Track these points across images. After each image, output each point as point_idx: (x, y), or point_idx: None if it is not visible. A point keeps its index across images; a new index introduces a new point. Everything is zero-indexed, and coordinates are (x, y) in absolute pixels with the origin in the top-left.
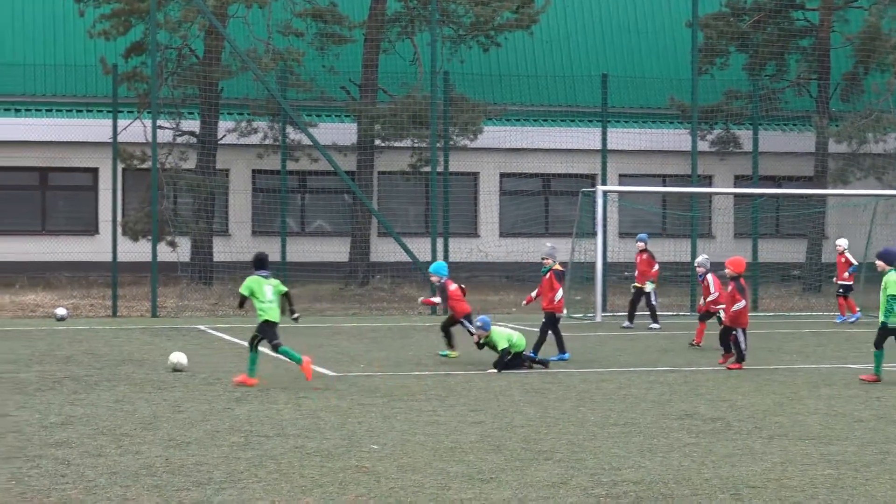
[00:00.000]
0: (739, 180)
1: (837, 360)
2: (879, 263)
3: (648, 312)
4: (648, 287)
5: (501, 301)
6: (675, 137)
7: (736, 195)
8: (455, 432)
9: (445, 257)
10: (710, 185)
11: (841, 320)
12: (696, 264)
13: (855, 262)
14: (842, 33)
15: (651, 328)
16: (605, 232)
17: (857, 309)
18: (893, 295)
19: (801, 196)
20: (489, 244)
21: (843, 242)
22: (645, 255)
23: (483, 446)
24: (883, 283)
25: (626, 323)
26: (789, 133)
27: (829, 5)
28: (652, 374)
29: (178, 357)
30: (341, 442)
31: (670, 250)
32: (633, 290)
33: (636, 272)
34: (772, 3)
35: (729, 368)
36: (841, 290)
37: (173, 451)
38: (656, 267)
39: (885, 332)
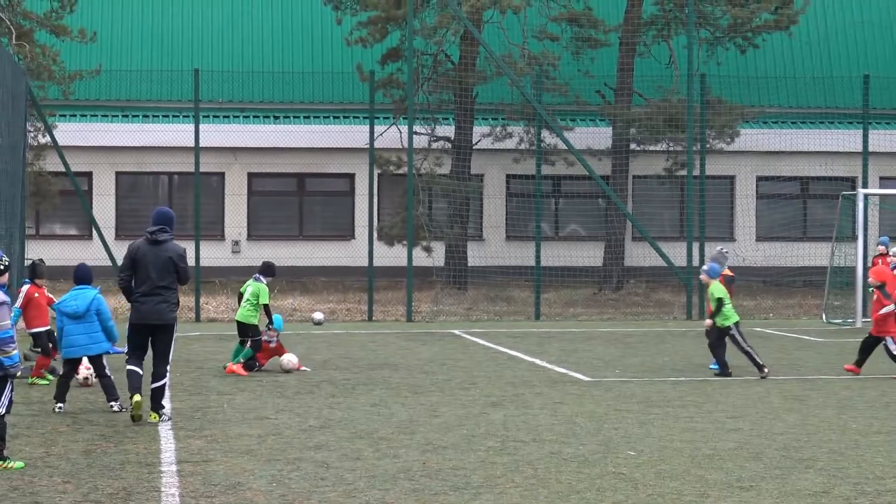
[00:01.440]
0: None
1: None
2: None
3: None
4: None
5: (758, 306)
6: None
7: None
8: (713, 439)
9: (700, 262)
10: None
11: None
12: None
13: None
14: None
15: None
16: (865, 236)
17: None
18: None
19: None
20: (746, 248)
21: None
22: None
23: (742, 454)
24: None
25: None
26: None
27: None
28: None
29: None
30: (598, 448)
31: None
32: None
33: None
34: None
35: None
36: None
37: (430, 455)
38: None
39: None
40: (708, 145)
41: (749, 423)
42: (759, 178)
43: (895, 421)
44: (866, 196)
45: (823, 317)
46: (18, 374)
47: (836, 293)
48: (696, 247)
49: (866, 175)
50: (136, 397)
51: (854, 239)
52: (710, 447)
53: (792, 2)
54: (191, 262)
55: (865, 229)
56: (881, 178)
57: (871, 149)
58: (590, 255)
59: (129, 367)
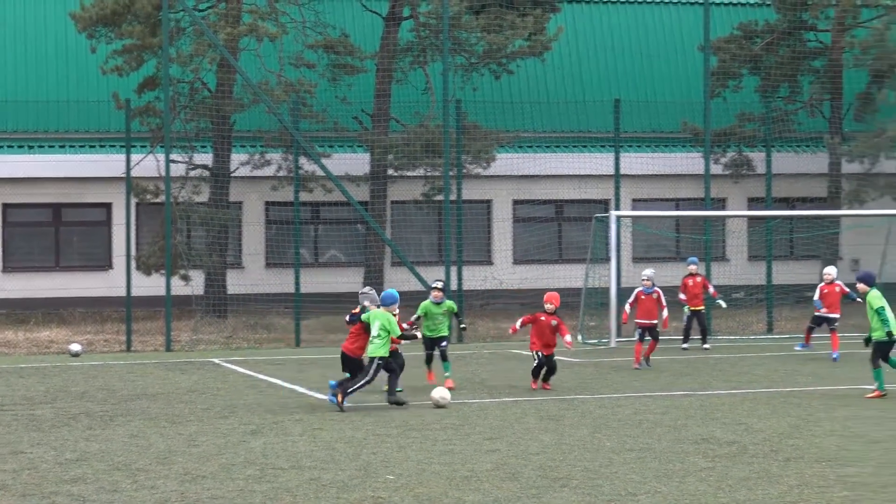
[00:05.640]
0: (753, 203)
1: (853, 381)
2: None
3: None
4: (724, 304)
5: None
6: (688, 161)
7: (749, 218)
8: (471, 461)
9: (459, 285)
10: (723, 208)
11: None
12: (645, 277)
13: (848, 291)
14: (852, 44)
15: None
16: (618, 257)
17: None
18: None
19: (814, 217)
20: (503, 271)
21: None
22: (699, 278)
23: (499, 474)
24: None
25: (685, 345)
26: (802, 154)
27: (841, 26)
28: (667, 399)
29: (441, 393)
30: (357, 473)
31: (684, 274)
32: (688, 313)
33: (686, 295)
34: (784, 25)
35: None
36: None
37: (189, 485)
38: (712, 289)
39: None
40: (465, 170)
41: (506, 443)
42: (516, 202)
43: (647, 438)
44: (619, 218)
45: (579, 337)
46: None
47: (591, 314)
48: (454, 270)
49: (618, 197)
50: None
51: (607, 260)
52: (467, 469)
53: (545, 29)
54: None
55: (618, 251)
56: (633, 200)
57: (622, 171)
58: (350, 280)
59: None
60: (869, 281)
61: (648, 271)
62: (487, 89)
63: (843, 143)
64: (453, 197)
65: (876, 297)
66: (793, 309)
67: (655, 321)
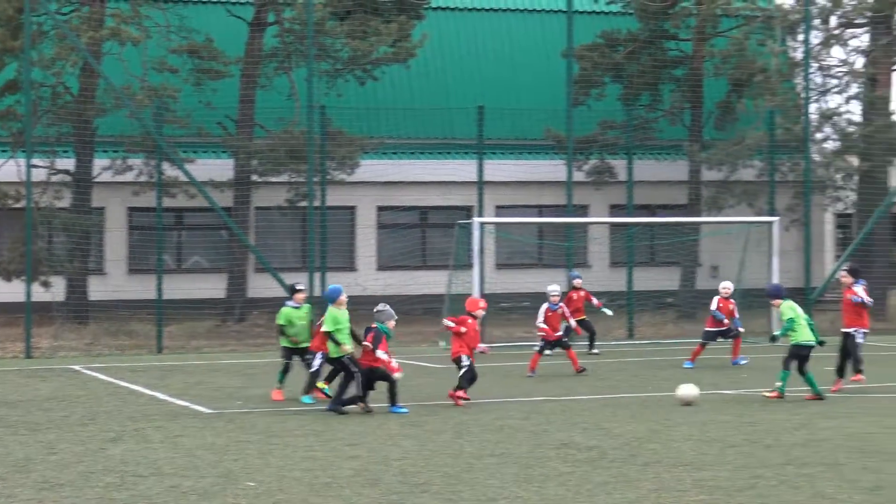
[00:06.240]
0: (614, 209)
1: (711, 386)
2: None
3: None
4: (610, 312)
5: None
6: (551, 168)
7: (611, 224)
8: (331, 467)
9: (323, 290)
10: (585, 214)
11: (745, 362)
12: (554, 293)
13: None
14: (712, 53)
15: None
16: (481, 263)
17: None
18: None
19: (674, 224)
20: (367, 278)
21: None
22: (583, 292)
23: (359, 480)
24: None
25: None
26: (663, 162)
27: (702, 35)
28: (528, 404)
29: (688, 391)
30: (217, 480)
31: (547, 280)
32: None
33: (570, 308)
34: (645, 33)
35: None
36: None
37: (47, 493)
38: (595, 300)
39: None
40: (329, 176)
41: (367, 450)
42: (380, 208)
43: (508, 443)
44: (482, 224)
45: (441, 343)
46: None
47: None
48: (318, 276)
49: (482, 204)
50: None
51: (471, 266)
52: (328, 475)
53: (409, 35)
54: None
55: (481, 257)
56: (496, 207)
57: (486, 178)
58: (213, 286)
59: None
60: (778, 294)
61: (555, 287)
62: (352, 95)
63: (703, 151)
64: (317, 203)
65: (787, 308)
66: (653, 315)
67: (561, 334)
